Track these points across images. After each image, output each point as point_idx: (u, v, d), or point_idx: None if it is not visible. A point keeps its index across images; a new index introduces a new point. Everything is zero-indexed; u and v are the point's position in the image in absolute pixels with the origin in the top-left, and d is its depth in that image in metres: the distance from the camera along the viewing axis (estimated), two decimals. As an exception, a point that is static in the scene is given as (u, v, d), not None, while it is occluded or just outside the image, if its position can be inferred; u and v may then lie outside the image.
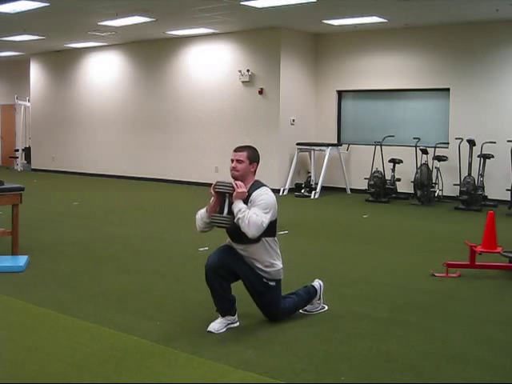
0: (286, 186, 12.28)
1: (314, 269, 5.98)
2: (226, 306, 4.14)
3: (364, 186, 11.65)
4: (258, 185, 4.18)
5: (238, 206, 4.00)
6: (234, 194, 4.03)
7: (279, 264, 4.23)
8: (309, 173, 12.65)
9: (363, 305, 4.81)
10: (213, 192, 4.13)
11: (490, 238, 5.91)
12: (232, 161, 4.17)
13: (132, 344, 3.90)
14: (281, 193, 12.09)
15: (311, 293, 4.49)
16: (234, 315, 4.19)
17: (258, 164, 4.24)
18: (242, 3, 9.81)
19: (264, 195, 4.09)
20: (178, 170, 14.05)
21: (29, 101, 17.71)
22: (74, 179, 15.25)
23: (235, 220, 3.99)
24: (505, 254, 5.90)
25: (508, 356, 3.79)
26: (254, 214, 3.95)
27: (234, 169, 4.15)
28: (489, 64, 11.03)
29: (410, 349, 3.85)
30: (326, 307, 4.59)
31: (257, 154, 4.26)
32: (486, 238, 5.94)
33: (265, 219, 3.98)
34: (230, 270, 4.08)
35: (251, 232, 3.94)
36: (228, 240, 4.27)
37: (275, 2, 9.84)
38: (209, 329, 4.10)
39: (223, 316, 4.16)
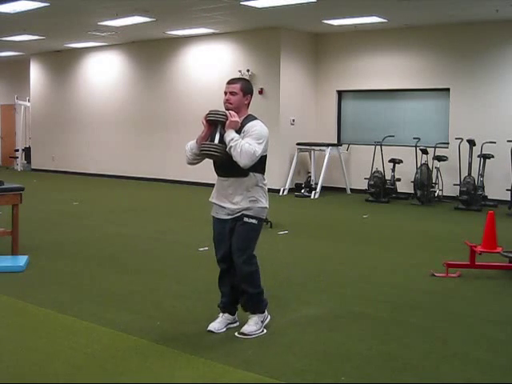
0: (286, 186, 12.29)
1: (314, 269, 5.98)
2: (228, 301, 4.14)
3: (364, 186, 11.65)
4: (251, 118, 4.11)
5: (231, 135, 3.92)
6: (227, 122, 3.95)
7: (264, 202, 4.09)
8: (309, 173, 12.65)
9: (363, 305, 4.80)
10: (204, 122, 4.04)
11: (490, 238, 5.91)
12: (225, 93, 4.07)
13: (132, 344, 3.90)
14: (281, 193, 12.10)
15: (264, 298, 4.15)
16: (233, 315, 4.19)
17: (251, 96, 4.15)
18: (241, 3, 9.80)
19: (258, 126, 4.03)
20: (178, 170, 14.04)
21: (29, 101, 17.71)
22: (74, 179, 15.25)
23: (227, 149, 3.90)
24: (505, 254, 5.90)
25: (508, 356, 3.79)
26: (246, 143, 3.88)
27: (227, 101, 4.05)
28: (489, 64, 11.03)
29: (410, 349, 3.85)
30: (265, 331, 4.11)
31: (250, 86, 4.17)
32: (485, 238, 5.93)
33: (257, 149, 3.91)
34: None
35: (243, 161, 3.86)
36: (214, 196, 4.15)
37: (275, 2, 9.84)
38: (209, 328, 4.09)
39: (223, 312, 4.15)
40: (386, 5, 9.92)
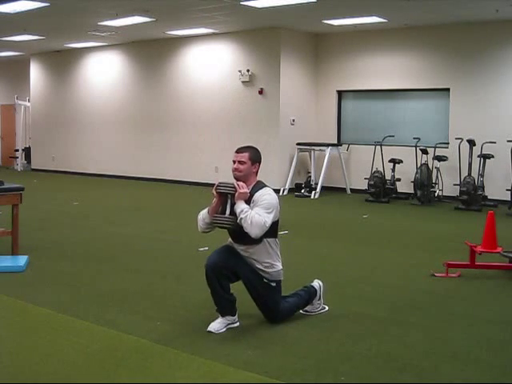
0: (286, 186, 12.28)
1: (314, 269, 5.98)
2: (226, 306, 4.14)
3: (364, 186, 11.65)
4: (260, 185, 4.18)
5: (241, 206, 4.00)
6: (237, 194, 4.04)
7: (279, 265, 4.23)
8: (309, 173, 12.65)
9: (363, 305, 4.81)
10: (215, 193, 4.14)
11: (490, 238, 5.91)
12: (234, 162, 4.17)
13: (132, 344, 3.90)
14: (281, 193, 12.09)
15: (311, 293, 4.49)
16: (234, 315, 4.19)
17: (259, 164, 4.24)
18: (241, 3, 9.80)
19: (266, 195, 4.09)
20: (178, 170, 14.05)
21: (29, 101, 17.71)
22: (74, 179, 15.25)
23: (238, 220, 3.99)
24: (505, 254, 5.90)
25: (508, 356, 3.79)
26: (256, 214, 3.95)
27: (236, 170, 4.15)
28: (489, 64, 11.03)
29: (409, 349, 3.85)
30: (327, 307, 4.58)
31: (258, 154, 4.26)
32: (485, 238, 5.93)
33: (267, 219, 3.98)
34: (230, 269, 4.08)
35: (254, 232, 3.94)
36: (229, 240, 4.27)
37: (275, 2, 9.84)
38: (209, 329, 4.10)
39: (223, 316, 4.16)
40: (386, 5, 9.92)
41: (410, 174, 11.20)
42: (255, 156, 4.21)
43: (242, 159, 4.14)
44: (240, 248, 4.16)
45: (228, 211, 4.12)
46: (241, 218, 3.96)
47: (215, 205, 4.16)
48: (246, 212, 3.96)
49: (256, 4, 9.91)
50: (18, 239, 6.32)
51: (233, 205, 4.08)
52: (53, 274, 5.72)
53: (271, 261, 4.16)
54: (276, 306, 4.24)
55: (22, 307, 4.71)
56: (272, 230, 4.09)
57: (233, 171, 4.18)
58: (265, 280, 4.15)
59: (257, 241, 4.06)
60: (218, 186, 4.13)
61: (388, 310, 4.69)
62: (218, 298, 4.12)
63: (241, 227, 3.99)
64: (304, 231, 8.29)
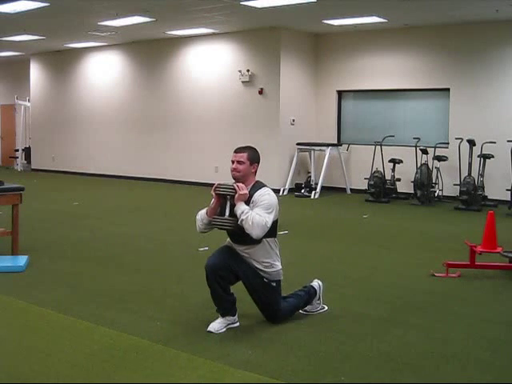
0: (286, 186, 12.28)
1: (314, 269, 5.98)
2: (226, 307, 4.14)
3: (364, 186, 11.64)
4: (259, 185, 4.18)
5: (241, 207, 4.00)
6: (236, 196, 4.03)
7: (279, 265, 4.23)
8: (309, 173, 12.65)
9: (363, 305, 4.81)
10: (213, 194, 4.14)
11: (490, 238, 5.91)
12: (232, 162, 4.18)
13: (132, 344, 3.90)
14: (281, 193, 12.09)
15: (311, 293, 4.49)
16: (234, 315, 4.19)
17: (258, 164, 4.25)
18: (242, 3, 9.80)
19: (266, 195, 4.10)
20: (178, 170, 14.05)
21: (29, 101, 17.71)
22: (74, 179, 15.25)
23: (238, 222, 3.99)
24: (505, 254, 5.90)
25: (508, 356, 3.79)
26: (257, 215, 3.96)
27: (234, 170, 4.16)
28: (489, 64, 11.03)
29: (409, 349, 3.86)
30: (326, 307, 4.59)
31: (257, 154, 4.26)
32: (485, 238, 5.94)
33: (268, 219, 3.99)
34: (230, 270, 4.09)
35: (255, 232, 3.95)
36: (228, 240, 4.27)
37: (275, 2, 9.84)
38: (209, 329, 4.10)
39: (223, 316, 4.16)
40: (386, 5, 9.92)
41: (410, 174, 11.20)
42: (254, 156, 4.21)
43: (241, 159, 4.15)
44: (239, 248, 4.16)
45: (227, 212, 4.12)
46: (242, 220, 3.96)
47: (214, 206, 4.16)
48: (246, 213, 3.96)
49: (256, 4, 9.90)
50: (17, 239, 6.32)
51: (232, 206, 4.08)
52: (53, 274, 5.72)
53: (271, 260, 4.17)
54: (275, 305, 4.24)
55: (22, 307, 4.72)
56: (271, 230, 4.09)
57: (231, 171, 4.18)
58: (265, 280, 4.15)
59: (257, 241, 4.06)
60: (217, 187, 4.13)
61: (388, 310, 4.69)
62: (218, 298, 4.12)
63: (241, 228, 3.99)
64: (304, 231, 8.29)
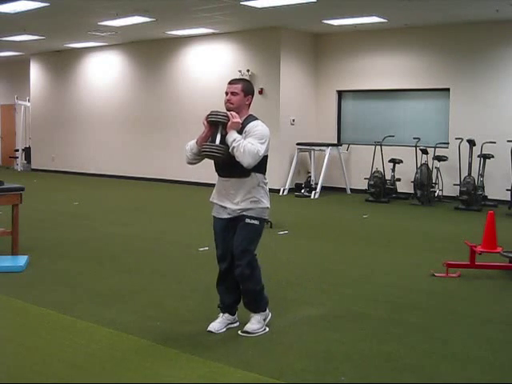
0: (286, 186, 12.28)
1: (314, 269, 5.98)
2: (228, 304, 4.15)
3: (364, 186, 11.64)
4: (252, 118, 4.12)
5: (233, 135, 3.93)
6: (229, 123, 3.95)
7: (266, 203, 4.10)
8: (309, 173, 12.65)
9: (363, 305, 4.81)
10: (205, 122, 4.05)
11: (490, 238, 5.91)
12: (226, 93, 4.09)
13: (132, 344, 3.90)
14: (281, 193, 12.09)
15: (265, 296, 4.18)
16: (233, 315, 4.19)
17: (252, 97, 4.16)
18: (241, 3, 9.80)
19: (259, 126, 4.05)
20: (178, 170, 14.04)
21: (29, 101, 17.71)
22: (74, 179, 15.25)
23: (230, 149, 3.90)
24: (505, 254, 5.90)
25: (508, 356, 3.79)
26: (249, 143, 3.90)
27: (228, 101, 4.06)
28: (489, 64, 11.03)
29: (409, 349, 3.86)
30: (267, 329, 4.14)
31: (251, 86, 4.19)
32: (485, 238, 5.94)
33: (260, 148, 3.93)
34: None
35: (247, 160, 3.87)
36: (213, 193, 4.18)
37: (275, 2, 9.83)
38: (209, 329, 4.10)
39: (223, 313, 4.15)
40: (386, 5, 9.92)
41: (410, 174, 11.20)
42: (248, 88, 4.13)
43: (235, 90, 4.06)
44: (227, 183, 4.06)
45: (218, 141, 3.99)
46: (233, 147, 3.88)
47: (205, 135, 4.06)
48: (238, 141, 3.89)
49: (256, 4, 9.90)
50: (17, 239, 6.32)
51: (223, 135, 3.98)
52: (53, 274, 5.72)
53: (258, 196, 4.05)
54: (250, 246, 4.02)
55: (22, 307, 4.71)
56: (261, 165, 4.04)
57: (225, 103, 4.08)
58: (247, 220, 4.00)
59: (245, 173, 3.98)
60: (209, 114, 4.02)
61: (388, 310, 4.69)
62: (224, 293, 4.12)
63: (231, 157, 3.91)
64: (304, 231, 8.29)
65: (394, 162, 11.43)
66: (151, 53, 14.48)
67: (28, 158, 17.98)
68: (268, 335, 4.07)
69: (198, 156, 4.14)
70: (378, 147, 11.69)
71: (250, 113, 4.16)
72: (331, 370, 3.52)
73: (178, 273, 5.84)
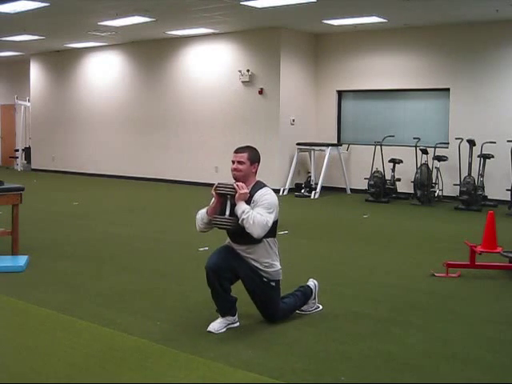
0: (286, 186, 12.28)
1: (314, 269, 5.98)
2: (226, 307, 4.15)
3: (364, 186, 11.64)
4: (259, 185, 4.19)
5: (242, 207, 4.00)
6: (237, 195, 4.03)
7: (278, 265, 4.24)
8: (309, 173, 12.65)
9: (363, 305, 4.81)
10: (214, 193, 4.14)
11: (490, 238, 5.91)
12: (233, 162, 4.18)
13: (132, 344, 3.90)
14: (281, 193, 12.09)
15: (307, 293, 4.50)
16: (234, 315, 4.19)
17: (258, 164, 4.25)
18: (241, 3, 9.80)
19: (267, 195, 4.11)
20: (178, 170, 14.05)
21: (29, 101, 17.71)
22: (74, 179, 15.25)
23: (239, 221, 3.99)
24: (505, 254, 5.90)
25: (508, 356, 3.79)
26: (258, 214, 3.96)
27: (235, 170, 4.16)
28: (489, 64, 11.03)
29: (409, 349, 3.86)
30: (321, 307, 4.59)
31: (257, 154, 4.26)
32: (485, 238, 5.94)
33: (269, 219, 3.99)
34: (230, 270, 4.09)
35: (256, 232, 3.95)
36: (228, 240, 4.27)
37: (275, 2, 9.83)
38: (209, 329, 4.10)
39: (223, 316, 4.16)
40: (386, 5, 9.92)
41: (410, 174, 11.20)
42: (254, 156, 4.21)
43: (241, 159, 4.15)
44: (239, 248, 4.16)
45: (228, 212, 4.12)
46: (243, 219, 3.96)
47: (214, 205, 4.16)
48: (247, 212, 3.96)
49: (256, 4, 9.91)
50: (18, 239, 6.31)
51: (232, 205, 4.08)
52: (53, 274, 5.72)
53: (270, 260, 4.17)
54: (275, 305, 4.24)
55: (22, 307, 4.71)
56: (271, 230, 4.10)
57: (232, 171, 4.18)
58: (264, 279, 4.15)
59: (257, 241, 4.07)
60: (217, 186, 4.13)
61: (388, 310, 4.69)
62: (219, 298, 4.12)
63: (241, 228, 3.99)
64: (304, 231, 8.29)
65: (394, 162, 11.43)
66: (151, 53, 14.48)
67: (28, 157, 17.98)
68: (268, 335, 4.07)
69: (209, 225, 4.23)
70: (378, 147, 11.69)
71: (258, 179, 4.25)
72: (331, 369, 3.52)
73: (178, 273, 5.84)
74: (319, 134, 13.07)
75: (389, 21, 11.14)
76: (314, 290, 4.54)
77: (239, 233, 4.05)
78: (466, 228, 8.46)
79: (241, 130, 12.79)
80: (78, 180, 15.03)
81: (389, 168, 11.53)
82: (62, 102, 16.61)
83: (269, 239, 4.14)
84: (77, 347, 3.83)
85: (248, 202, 4.07)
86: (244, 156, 4.16)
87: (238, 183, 4.09)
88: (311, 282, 4.60)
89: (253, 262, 4.14)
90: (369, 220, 9.29)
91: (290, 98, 12.54)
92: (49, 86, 17.03)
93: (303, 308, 4.50)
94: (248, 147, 4.29)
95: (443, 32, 11.44)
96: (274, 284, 4.20)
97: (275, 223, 4.15)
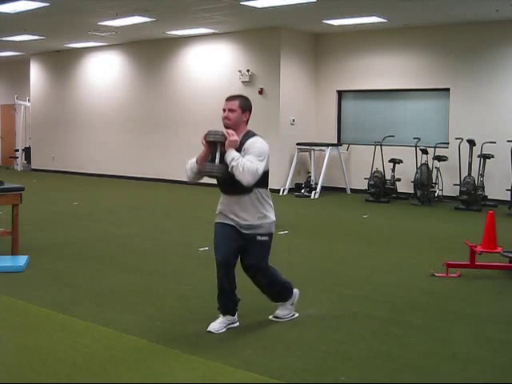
0: (286, 186, 12.28)
1: (314, 269, 5.98)
2: (229, 306, 4.15)
3: (364, 185, 11.64)
4: (251, 134, 4.11)
5: (232, 154, 3.92)
6: (227, 142, 3.94)
7: (272, 216, 4.14)
8: (309, 173, 12.65)
9: (363, 305, 4.81)
10: (204, 142, 4.05)
11: (490, 238, 5.91)
12: (224, 110, 4.08)
13: (132, 344, 3.90)
14: (281, 193, 12.09)
15: (288, 287, 4.36)
16: (234, 315, 4.19)
17: (250, 113, 4.15)
18: (241, 3, 9.80)
19: (258, 143, 4.04)
20: (178, 170, 14.00)
21: (29, 101, 17.71)
22: (74, 179, 15.25)
23: (229, 169, 3.90)
24: (505, 254, 5.90)
25: (508, 356, 3.79)
26: (248, 161, 3.88)
27: (226, 118, 4.06)
28: (489, 64, 11.03)
29: (409, 349, 3.86)
30: (297, 314, 4.43)
31: (249, 102, 4.17)
32: (485, 238, 5.94)
33: (259, 166, 3.92)
34: (236, 254, 4.06)
35: (246, 179, 3.87)
36: (218, 208, 4.17)
37: (275, 2, 9.83)
38: (209, 329, 4.10)
39: (224, 315, 4.15)
40: (386, 5, 9.92)
41: (410, 174, 11.20)
42: (245, 104, 4.12)
43: (233, 107, 4.05)
44: (231, 200, 4.07)
45: (217, 160, 4.01)
46: (232, 166, 3.88)
47: (204, 154, 4.08)
48: (237, 159, 3.88)
49: (256, 4, 9.90)
50: (18, 239, 6.31)
51: (222, 154, 3.98)
52: (53, 274, 5.72)
53: (264, 211, 4.08)
54: (263, 260, 4.15)
55: (22, 307, 4.71)
56: (262, 180, 4.02)
57: (223, 119, 4.08)
58: (258, 237, 4.06)
59: (247, 190, 3.98)
60: (207, 134, 4.03)
61: (388, 310, 4.69)
62: (224, 296, 4.12)
63: (231, 176, 3.90)
64: (304, 231, 8.29)
65: (394, 161, 11.43)
66: (151, 53, 14.48)
67: (28, 157, 17.98)
68: (268, 335, 4.07)
69: (199, 175, 4.17)
70: (378, 147, 11.69)
71: (249, 128, 4.15)
72: (331, 369, 3.52)
73: (178, 273, 5.84)
74: (319, 134, 13.07)
75: (389, 21, 11.13)
76: (294, 296, 4.40)
77: (229, 181, 3.96)
78: (466, 228, 8.46)
79: (241, 129, 12.76)
80: (78, 180, 15.03)
81: (389, 168, 11.53)
82: (62, 102, 16.60)
83: (260, 189, 4.06)
84: (77, 347, 3.83)
85: (239, 150, 3.97)
86: (235, 104, 4.06)
87: (228, 130, 4.00)
88: (295, 290, 4.45)
89: (246, 215, 4.03)
90: (369, 220, 9.29)
91: (289, 98, 12.54)
92: (49, 86, 17.03)
93: (280, 314, 4.36)
94: (239, 95, 4.20)
95: (443, 32, 11.44)
96: (266, 238, 4.10)
97: (266, 173, 4.07)
